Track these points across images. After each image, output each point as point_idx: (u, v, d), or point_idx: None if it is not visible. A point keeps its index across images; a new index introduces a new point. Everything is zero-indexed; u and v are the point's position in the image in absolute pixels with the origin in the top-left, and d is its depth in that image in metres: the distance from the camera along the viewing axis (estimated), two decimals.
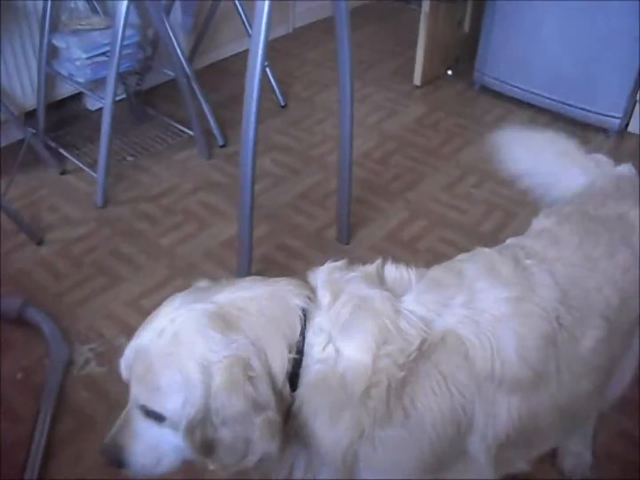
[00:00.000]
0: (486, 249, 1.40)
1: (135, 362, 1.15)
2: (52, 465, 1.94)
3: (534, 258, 1.36)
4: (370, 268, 1.28)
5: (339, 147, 2.61)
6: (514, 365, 1.22)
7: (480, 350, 1.20)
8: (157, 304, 1.21)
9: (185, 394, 1.09)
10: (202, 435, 1.11)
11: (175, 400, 1.10)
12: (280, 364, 1.12)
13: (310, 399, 1.14)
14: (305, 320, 1.16)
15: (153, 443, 1.19)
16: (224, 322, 1.12)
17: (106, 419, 2.01)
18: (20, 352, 2.26)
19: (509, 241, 1.48)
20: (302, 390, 1.14)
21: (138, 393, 1.15)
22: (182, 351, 1.10)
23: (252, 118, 2.13)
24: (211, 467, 1.16)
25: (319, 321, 1.16)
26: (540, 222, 1.51)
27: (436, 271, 1.32)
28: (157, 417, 1.13)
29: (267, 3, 2.00)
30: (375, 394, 1.13)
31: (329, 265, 1.27)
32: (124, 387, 2.08)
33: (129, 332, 2.28)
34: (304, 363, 1.14)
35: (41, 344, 2.27)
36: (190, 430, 1.10)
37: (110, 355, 2.23)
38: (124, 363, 1.20)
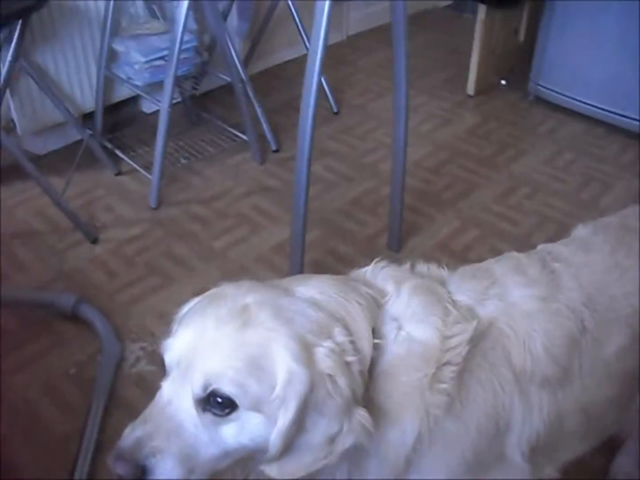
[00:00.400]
0: (514, 253, 1.42)
1: (202, 341, 1.03)
2: (103, 458, 1.95)
3: (562, 262, 1.36)
4: (404, 266, 1.30)
5: (392, 155, 2.61)
6: (542, 361, 1.22)
7: (515, 343, 1.21)
8: None
9: (287, 376, 1.00)
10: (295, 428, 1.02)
11: (266, 384, 1.01)
12: (367, 349, 1.09)
13: (385, 384, 1.11)
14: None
15: (197, 443, 1.02)
16: (316, 304, 1.09)
17: None
18: (74, 347, 2.31)
19: (539, 247, 1.48)
20: (376, 376, 1.11)
21: (209, 376, 1.01)
22: (281, 330, 1.03)
23: (309, 124, 2.14)
24: (272, 473, 1.06)
25: (388, 308, 1.16)
26: (577, 231, 1.51)
27: (466, 268, 1.35)
28: (229, 406, 1.00)
29: (327, 4, 1.99)
30: (444, 377, 1.12)
31: (374, 264, 1.28)
32: None
33: None
34: (381, 348, 1.12)
35: (94, 340, 2.31)
36: (298, 417, 1.00)
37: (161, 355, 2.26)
38: (178, 348, 1.07)
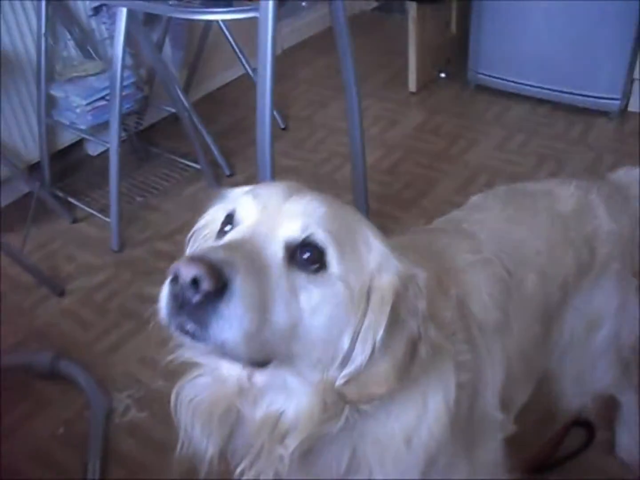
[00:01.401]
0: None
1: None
2: None
3: (465, 222, 1.44)
4: None
5: (351, 160, 2.61)
6: (491, 309, 1.25)
7: (471, 296, 1.24)
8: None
9: (381, 261, 0.97)
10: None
11: (359, 260, 0.96)
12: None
13: None
14: None
15: (275, 293, 0.89)
16: None
17: (157, 462, 2.00)
18: (59, 406, 2.23)
19: (437, 221, 1.55)
20: None
21: (308, 222, 0.94)
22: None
23: (267, 143, 2.12)
24: (351, 392, 0.97)
25: None
26: (470, 201, 1.60)
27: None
28: (319, 262, 0.93)
29: (271, 20, 1.97)
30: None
31: None
32: (168, 428, 2.07)
33: (165, 373, 2.27)
34: None
35: (78, 395, 2.24)
36: (396, 302, 0.94)
37: (150, 399, 2.21)
38: (266, 195, 0.99)
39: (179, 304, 0.84)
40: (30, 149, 3.17)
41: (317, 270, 0.92)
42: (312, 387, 0.97)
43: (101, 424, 2.12)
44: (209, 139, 3.32)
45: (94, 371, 2.31)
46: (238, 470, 1.06)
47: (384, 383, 0.97)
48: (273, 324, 0.88)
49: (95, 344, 2.46)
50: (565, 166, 3.24)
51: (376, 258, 0.97)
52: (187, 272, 0.82)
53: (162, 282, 0.87)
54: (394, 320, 0.94)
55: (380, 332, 0.94)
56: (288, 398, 0.99)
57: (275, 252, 0.91)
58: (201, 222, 1.14)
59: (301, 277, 0.91)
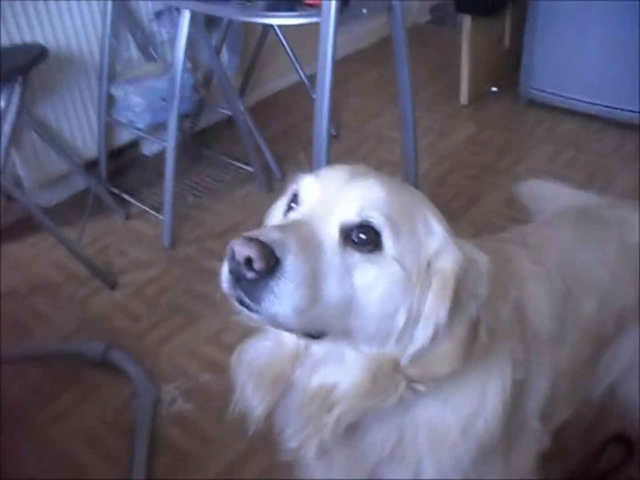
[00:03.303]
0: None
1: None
2: None
3: (532, 236, 1.45)
4: None
5: (403, 169, 2.63)
6: (547, 320, 1.26)
7: (529, 303, 1.24)
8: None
9: (442, 243, 1.00)
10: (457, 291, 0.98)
11: (417, 243, 0.98)
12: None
13: None
14: None
15: (328, 272, 0.92)
16: None
17: (201, 453, 2.05)
18: (107, 394, 2.29)
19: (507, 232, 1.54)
20: None
21: (365, 205, 0.96)
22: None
23: (323, 145, 2.16)
24: (414, 373, 1.01)
25: None
26: (540, 217, 1.64)
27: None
28: (374, 243, 0.95)
29: (332, 27, 2.01)
30: None
31: None
32: (213, 421, 2.13)
33: (212, 367, 2.34)
34: None
35: (127, 385, 2.29)
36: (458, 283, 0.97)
37: (196, 391, 2.26)
38: (325, 178, 1.02)
39: (236, 278, 0.89)
40: (89, 146, 3.26)
41: (372, 251, 0.95)
42: (366, 361, 1.01)
43: (148, 413, 2.17)
44: (261, 143, 3.37)
45: (143, 363, 2.37)
46: (285, 435, 1.10)
47: (448, 363, 1.00)
48: (326, 300, 0.92)
49: (145, 336, 2.52)
50: (615, 183, 3.22)
51: (436, 241, 1.00)
52: (242, 252, 0.87)
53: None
54: (456, 303, 0.97)
55: (443, 314, 0.96)
56: (343, 370, 1.02)
57: (331, 233, 0.95)
58: (278, 202, 1.17)
59: (356, 257, 0.94)
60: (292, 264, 0.88)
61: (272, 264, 0.87)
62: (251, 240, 0.87)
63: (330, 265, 0.93)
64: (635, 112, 3.55)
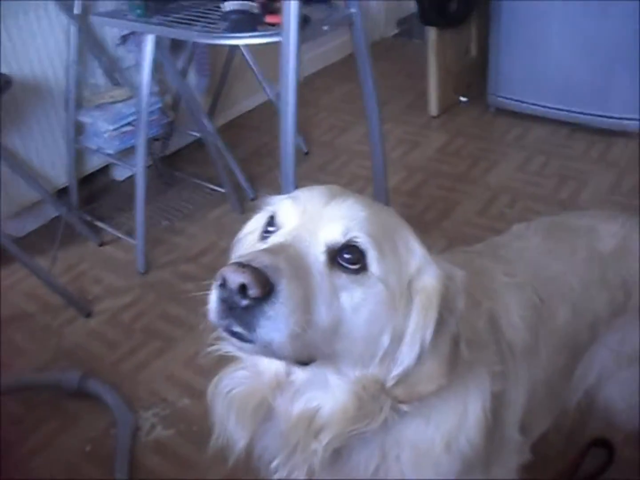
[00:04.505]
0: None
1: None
2: None
3: (503, 248, 1.46)
4: None
5: (374, 183, 2.64)
6: (521, 331, 1.26)
7: (502, 315, 1.24)
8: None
9: (421, 263, 1.00)
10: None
11: (399, 261, 0.99)
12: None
13: None
14: None
15: (317, 294, 0.92)
16: None
17: (182, 479, 2.02)
18: (85, 424, 2.26)
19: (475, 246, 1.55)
20: None
21: (350, 225, 0.96)
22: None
23: (290, 164, 2.15)
24: (400, 393, 1.00)
25: None
26: (512, 228, 1.59)
27: None
28: (359, 263, 0.95)
29: (293, 46, 2.02)
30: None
31: None
32: (193, 446, 2.10)
33: (190, 392, 2.32)
34: None
35: (105, 414, 2.27)
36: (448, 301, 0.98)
37: (175, 417, 2.23)
38: (304, 200, 1.02)
39: (228, 307, 0.87)
40: (59, 173, 3.24)
41: (357, 271, 0.95)
42: (350, 384, 1.00)
43: (127, 441, 2.15)
44: (232, 164, 3.37)
45: (121, 390, 2.34)
46: (272, 465, 1.08)
47: (434, 381, 1.00)
48: (317, 324, 0.91)
49: (122, 363, 2.49)
50: (586, 187, 3.25)
51: (416, 260, 1.00)
52: (235, 279, 0.85)
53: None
54: (438, 319, 0.98)
55: (429, 334, 0.97)
56: (326, 395, 1.02)
57: (317, 255, 0.94)
58: (245, 229, 1.17)
59: (342, 278, 0.94)
60: (286, 288, 0.87)
61: (267, 289, 0.85)
62: (244, 266, 0.86)
63: (320, 287, 0.92)
64: (604, 115, 3.59)
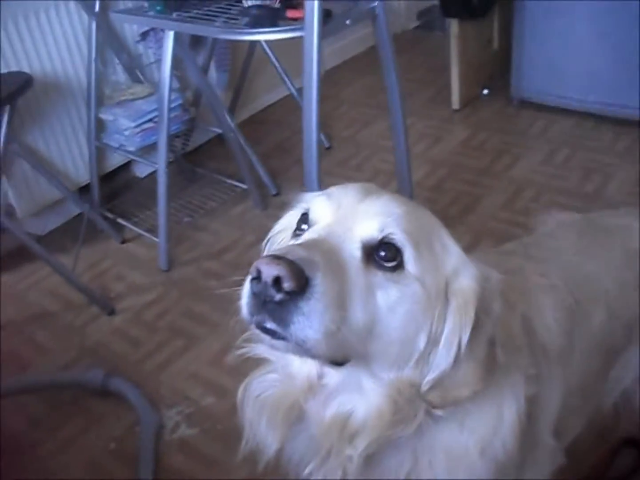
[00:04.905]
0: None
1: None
2: None
3: (536, 248, 1.42)
4: None
5: (397, 177, 2.61)
6: (555, 334, 1.23)
7: (535, 318, 1.21)
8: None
9: (458, 264, 0.98)
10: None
11: (435, 261, 0.96)
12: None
13: None
14: None
15: (352, 292, 0.89)
16: None
17: (207, 477, 2.02)
18: (109, 422, 2.26)
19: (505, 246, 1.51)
20: None
21: (386, 222, 0.94)
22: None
23: (314, 159, 2.13)
24: (434, 398, 0.98)
25: None
26: (541, 228, 1.58)
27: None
28: (395, 260, 0.93)
29: (315, 40, 1.99)
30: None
31: None
32: (218, 445, 2.09)
33: (215, 390, 2.31)
34: None
35: (129, 412, 2.26)
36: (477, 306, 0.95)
37: (199, 415, 2.22)
38: (337, 197, 0.99)
39: (261, 301, 0.85)
40: (80, 171, 3.25)
41: (394, 269, 0.92)
42: (385, 388, 0.97)
43: (151, 440, 2.14)
44: (254, 160, 3.35)
45: (144, 388, 2.34)
46: (306, 470, 1.06)
47: (469, 385, 0.97)
48: (351, 322, 0.88)
49: (145, 361, 2.49)
50: (612, 180, 3.20)
51: (453, 261, 0.98)
52: (270, 271, 0.82)
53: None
54: (474, 322, 0.95)
55: (465, 337, 0.94)
56: (360, 398, 0.99)
57: (353, 251, 0.91)
58: (277, 227, 1.14)
59: (378, 276, 0.91)
60: (321, 283, 0.84)
61: (302, 283, 0.83)
62: (279, 258, 0.83)
63: (355, 284, 0.89)
64: (630, 107, 3.53)
